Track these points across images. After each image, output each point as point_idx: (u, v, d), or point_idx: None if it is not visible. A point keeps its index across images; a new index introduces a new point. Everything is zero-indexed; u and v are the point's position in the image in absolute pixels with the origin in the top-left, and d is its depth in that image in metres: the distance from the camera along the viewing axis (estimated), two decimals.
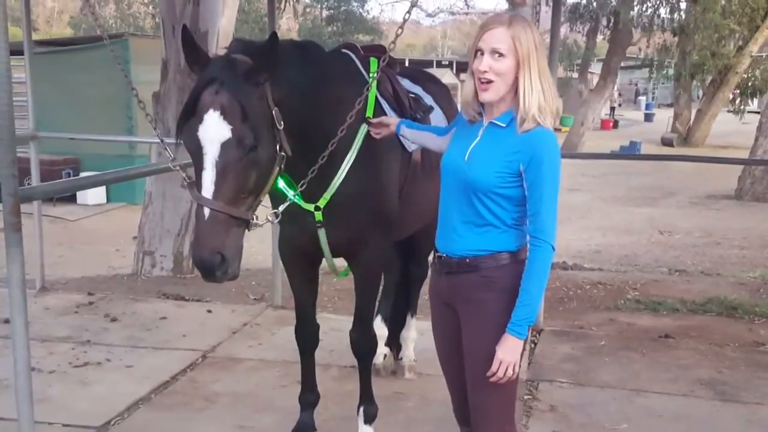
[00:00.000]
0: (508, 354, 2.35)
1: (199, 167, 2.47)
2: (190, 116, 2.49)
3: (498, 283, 2.41)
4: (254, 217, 2.61)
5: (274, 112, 2.60)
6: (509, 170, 2.33)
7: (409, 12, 2.98)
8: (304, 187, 2.89)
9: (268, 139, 2.57)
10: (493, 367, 2.36)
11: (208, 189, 2.43)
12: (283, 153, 2.66)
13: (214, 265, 2.42)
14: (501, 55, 2.30)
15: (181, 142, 2.54)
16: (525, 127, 2.31)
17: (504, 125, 2.38)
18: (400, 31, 2.96)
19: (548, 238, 2.33)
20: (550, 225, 2.33)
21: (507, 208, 2.38)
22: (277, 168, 2.67)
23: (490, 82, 2.32)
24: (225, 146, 2.43)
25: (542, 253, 2.33)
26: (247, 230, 2.59)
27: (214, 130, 2.43)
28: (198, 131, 2.45)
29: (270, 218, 2.84)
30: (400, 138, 3.21)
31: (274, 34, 2.61)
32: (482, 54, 2.32)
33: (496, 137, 2.38)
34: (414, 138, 3.02)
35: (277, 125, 2.61)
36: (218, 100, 2.45)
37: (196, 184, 2.48)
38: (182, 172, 2.80)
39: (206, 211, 2.43)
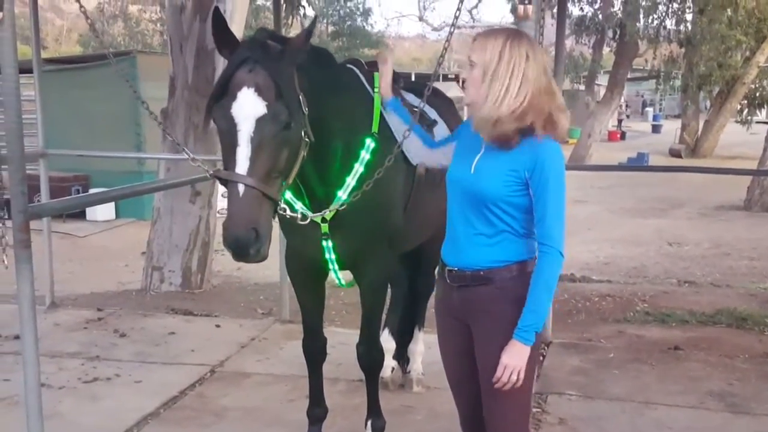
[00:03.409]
0: (513, 359, 2.35)
1: (232, 145, 2.46)
2: (222, 95, 2.50)
3: (512, 294, 2.42)
4: (281, 200, 2.65)
5: (300, 96, 2.63)
6: (515, 178, 2.36)
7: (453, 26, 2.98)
8: (326, 213, 2.99)
9: (299, 119, 2.59)
10: (498, 372, 2.36)
11: (242, 165, 2.43)
12: (307, 139, 2.67)
13: (249, 241, 2.40)
14: (472, 64, 2.40)
15: (213, 120, 2.54)
16: (483, 132, 2.39)
17: None
18: (447, 44, 3.00)
19: (555, 244, 2.35)
20: (557, 231, 2.35)
21: (517, 217, 2.41)
22: (303, 153, 2.68)
23: (467, 89, 2.41)
24: (260, 122, 2.45)
25: (550, 259, 2.35)
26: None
27: (250, 106, 2.44)
28: (232, 108, 2.46)
29: (299, 214, 2.91)
30: (404, 152, 3.23)
31: (315, 19, 2.65)
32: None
33: (499, 148, 2.40)
34: (405, 138, 2.92)
35: (303, 109, 2.64)
36: (253, 77, 2.47)
37: (228, 163, 2.47)
38: (202, 165, 2.85)
39: (240, 187, 2.42)
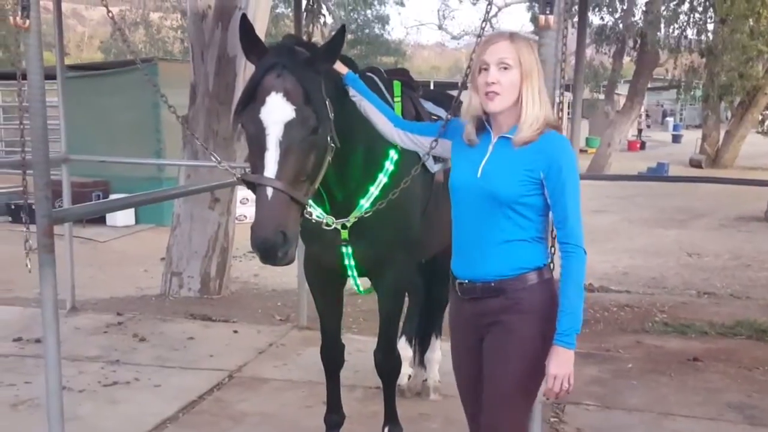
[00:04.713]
0: (561, 367, 2.33)
1: (261, 149, 2.49)
2: (251, 100, 2.54)
3: (524, 305, 2.39)
4: (308, 204, 2.68)
5: (327, 101, 2.66)
6: (530, 178, 2.33)
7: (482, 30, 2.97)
8: (349, 222, 3.03)
9: (326, 124, 2.63)
10: (549, 383, 2.34)
11: (271, 169, 2.46)
12: (333, 144, 2.70)
13: (277, 244, 2.41)
14: (507, 67, 2.33)
15: (241, 125, 2.58)
16: (522, 135, 2.33)
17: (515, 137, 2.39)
18: (470, 60, 2.99)
19: (579, 242, 2.34)
20: (578, 229, 2.34)
21: (531, 218, 2.38)
22: (329, 158, 2.71)
23: (496, 93, 2.34)
24: (289, 126, 2.48)
25: (576, 258, 2.34)
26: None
27: (279, 110, 2.48)
28: (261, 113, 2.49)
29: (324, 222, 2.96)
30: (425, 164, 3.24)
31: (343, 27, 2.68)
32: (487, 68, 2.35)
33: (509, 149, 2.37)
34: (361, 108, 2.88)
35: (330, 115, 2.67)
36: (281, 82, 2.51)
37: (257, 166, 2.50)
38: (230, 170, 2.90)
39: (269, 191, 2.45)
